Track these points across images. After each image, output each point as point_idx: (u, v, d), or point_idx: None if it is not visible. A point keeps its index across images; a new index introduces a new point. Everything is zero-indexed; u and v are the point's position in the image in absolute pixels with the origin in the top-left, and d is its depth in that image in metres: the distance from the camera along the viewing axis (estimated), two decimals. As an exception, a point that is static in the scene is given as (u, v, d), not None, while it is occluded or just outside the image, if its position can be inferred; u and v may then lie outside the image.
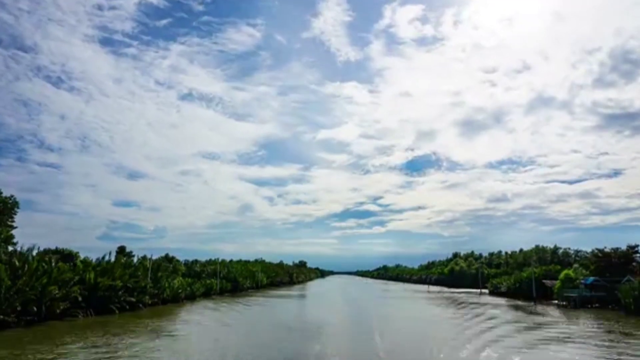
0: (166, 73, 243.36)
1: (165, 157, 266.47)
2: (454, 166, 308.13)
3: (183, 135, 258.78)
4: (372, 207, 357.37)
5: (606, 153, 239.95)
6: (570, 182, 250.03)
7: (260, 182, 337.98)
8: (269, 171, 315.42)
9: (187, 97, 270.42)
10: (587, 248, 64.23)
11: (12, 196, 54.20)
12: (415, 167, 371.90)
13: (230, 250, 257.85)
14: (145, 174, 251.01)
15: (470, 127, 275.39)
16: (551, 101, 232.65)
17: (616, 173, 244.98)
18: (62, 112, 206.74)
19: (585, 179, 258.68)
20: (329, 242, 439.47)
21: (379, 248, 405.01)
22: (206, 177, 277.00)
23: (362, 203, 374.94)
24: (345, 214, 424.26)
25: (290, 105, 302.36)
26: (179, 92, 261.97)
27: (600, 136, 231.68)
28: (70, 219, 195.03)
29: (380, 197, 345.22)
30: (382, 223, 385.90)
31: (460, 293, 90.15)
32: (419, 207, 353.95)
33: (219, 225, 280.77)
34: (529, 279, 69.07)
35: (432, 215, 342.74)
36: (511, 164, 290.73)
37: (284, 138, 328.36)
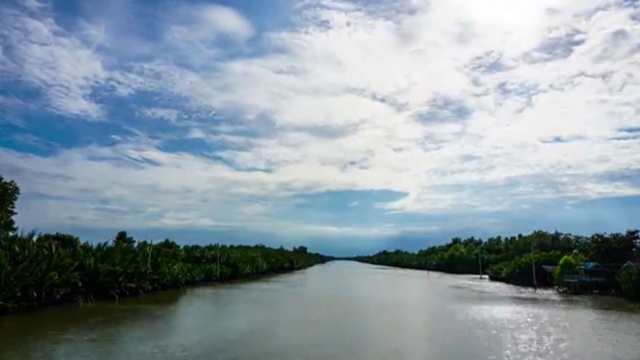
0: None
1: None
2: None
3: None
4: (370, 189, 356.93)
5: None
6: None
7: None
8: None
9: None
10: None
11: (12, 182, 53.95)
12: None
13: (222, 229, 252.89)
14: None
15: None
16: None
17: None
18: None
19: None
20: (327, 226, 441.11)
21: (378, 233, 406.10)
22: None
23: (359, 186, 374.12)
24: (343, 198, 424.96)
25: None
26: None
27: None
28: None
29: (380, 180, 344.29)
30: (382, 206, 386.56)
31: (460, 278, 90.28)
32: (421, 191, 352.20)
33: (213, 208, 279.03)
34: (529, 264, 69.19)
35: (433, 198, 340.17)
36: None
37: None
